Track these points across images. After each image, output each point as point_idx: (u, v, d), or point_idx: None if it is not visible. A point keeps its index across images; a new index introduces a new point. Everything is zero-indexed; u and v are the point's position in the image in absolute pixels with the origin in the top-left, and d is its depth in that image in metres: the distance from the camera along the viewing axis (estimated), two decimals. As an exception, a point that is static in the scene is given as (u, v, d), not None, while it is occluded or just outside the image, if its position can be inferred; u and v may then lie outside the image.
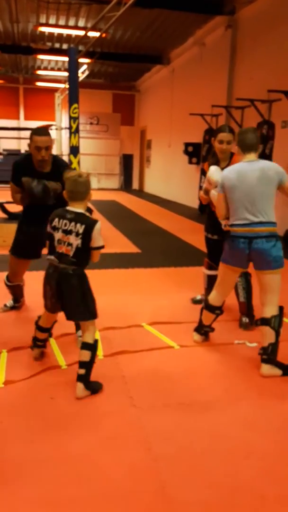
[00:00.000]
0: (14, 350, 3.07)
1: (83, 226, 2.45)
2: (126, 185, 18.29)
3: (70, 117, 6.55)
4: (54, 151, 12.63)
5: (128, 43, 11.75)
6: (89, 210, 2.76)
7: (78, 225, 2.45)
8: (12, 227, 3.82)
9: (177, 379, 2.78)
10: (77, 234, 2.45)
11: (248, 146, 2.86)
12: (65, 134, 12.71)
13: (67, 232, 2.47)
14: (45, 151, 3.14)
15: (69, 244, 2.47)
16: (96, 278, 5.06)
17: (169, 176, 14.15)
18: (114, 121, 17.69)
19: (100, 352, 3.08)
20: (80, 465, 2.00)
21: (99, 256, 2.59)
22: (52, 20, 10.19)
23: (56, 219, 2.52)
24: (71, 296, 2.53)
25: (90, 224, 2.47)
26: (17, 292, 3.81)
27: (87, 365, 2.52)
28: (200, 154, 10.63)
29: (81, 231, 2.45)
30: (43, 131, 3.15)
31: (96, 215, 8.84)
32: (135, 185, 18.41)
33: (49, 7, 9.22)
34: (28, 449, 2.10)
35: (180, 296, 4.33)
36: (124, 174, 18.27)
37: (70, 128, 6.59)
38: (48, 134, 3.16)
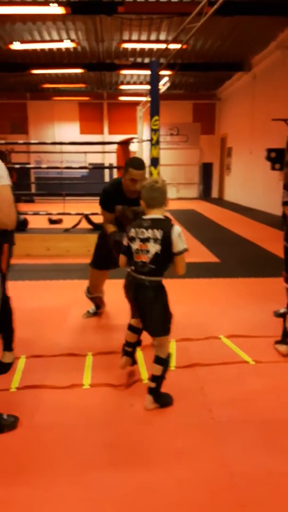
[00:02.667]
0: (98, 354, 3.19)
1: (161, 231, 2.39)
2: (205, 194, 18.18)
3: (151, 129, 6.69)
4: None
5: (208, 52, 11.74)
6: (169, 220, 2.74)
7: (156, 230, 2.39)
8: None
9: (258, 395, 2.69)
10: (155, 240, 2.39)
11: None
12: (146, 146, 13.01)
13: (145, 240, 2.42)
14: (139, 183, 3.10)
15: (147, 252, 2.42)
16: (174, 287, 5.07)
17: (250, 183, 13.81)
18: (194, 131, 17.73)
19: (173, 362, 3.07)
20: (155, 474, 2.01)
21: (184, 265, 2.45)
22: (134, 36, 10.53)
23: (133, 230, 2.49)
24: (146, 309, 2.50)
25: (168, 228, 2.40)
26: (98, 302, 3.97)
27: (158, 379, 2.52)
28: (283, 159, 10.24)
29: (159, 236, 2.38)
30: (140, 164, 3.13)
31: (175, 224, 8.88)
32: (215, 193, 18.22)
33: (132, 24, 9.54)
34: (103, 453, 2.16)
35: (261, 308, 4.19)
36: (204, 183, 18.19)
37: (150, 140, 6.73)
38: (144, 168, 3.15)
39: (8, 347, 3.01)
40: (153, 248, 2.40)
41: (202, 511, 1.81)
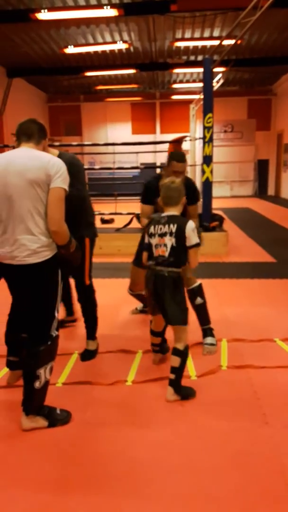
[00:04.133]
0: (149, 352, 3.18)
1: (176, 225, 2.57)
2: (260, 192, 17.70)
3: (204, 127, 6.60)
4: (187, 161, 12.91)
5: (264, 46, 11.40)
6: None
7: (171, 225, 2.58)
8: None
9: (315, 401, 2.56)
10: (170, 234, 2.58)
11: None
12: (198, 144, 12.88)
13: (162, 235, 2.60)
14: (181, 175, 3.30)
15: (165, 245, 2.60)
16: (228, 288, 5.02)
17: (308, 181, 13.26)
18: (249, 127, 17.32)
19: (224, 363, 3.04)
20: (207, 478, 1.97)
21: (197, 259, 2.63)
22: (187, 34, 10.44)
23: (152, 226, 2.66)
24: (165, 297, 2.60)
25: (182, 223, 2.58)
26: (142, 299, 3.97)
27: (177, 371, 2.57)
28: None
29: (174, 230, 2.57)
30: (181, 157, 3.30)
31: (228, 223, 8.72)
32: (271, 191, 17.69)
33: (184, 22, 9.47)
34: (156, 456, 2.13)
35: None
36: (259, 180, 17.72)
37: (203, 137, 6.64)
38: (185, 160, 3.33)
39: (92, 336, 3.21)
40: (169, 241, 2.59)
41: (255, 520, 1.75)
